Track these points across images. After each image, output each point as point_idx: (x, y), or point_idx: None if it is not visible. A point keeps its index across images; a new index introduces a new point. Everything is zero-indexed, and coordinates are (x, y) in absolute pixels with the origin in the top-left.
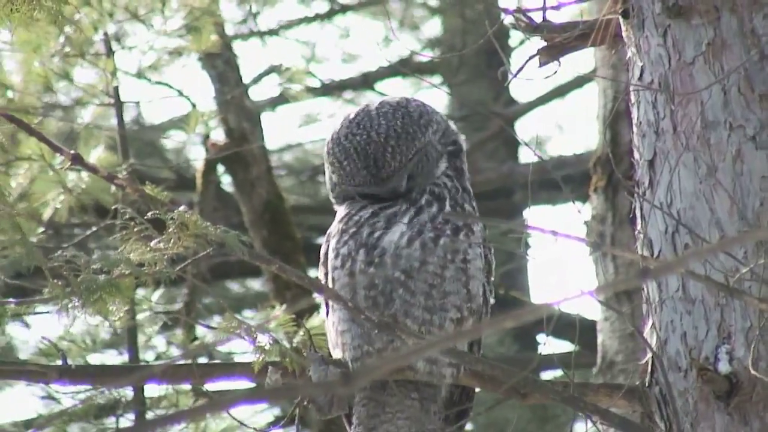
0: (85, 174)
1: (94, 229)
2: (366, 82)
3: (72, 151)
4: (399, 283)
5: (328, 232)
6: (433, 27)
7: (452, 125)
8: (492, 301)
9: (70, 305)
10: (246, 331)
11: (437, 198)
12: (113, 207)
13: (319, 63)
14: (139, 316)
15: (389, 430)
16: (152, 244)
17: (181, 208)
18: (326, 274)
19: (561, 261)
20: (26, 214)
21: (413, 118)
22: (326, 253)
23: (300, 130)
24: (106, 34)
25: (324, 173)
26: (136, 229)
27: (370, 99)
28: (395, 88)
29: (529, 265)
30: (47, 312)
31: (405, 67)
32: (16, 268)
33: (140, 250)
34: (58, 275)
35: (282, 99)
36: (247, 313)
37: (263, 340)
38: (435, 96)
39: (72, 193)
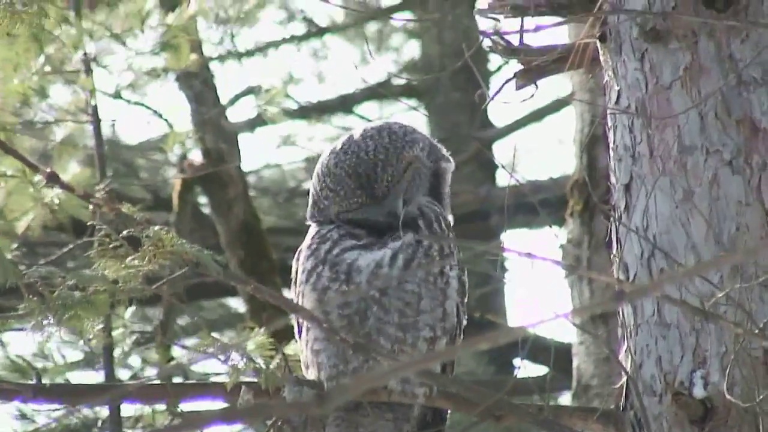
0: (61, 191)
1: (70, 246)
2: (344, 104)
3: (48, 170)
4: (374, 300)
5: (298, 249)
6: (412, 50)
7: (437, 144)
8: (464, 321)
9: (45, 322)
10: (220, 350)
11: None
12: (89, 224)
13: (296, 84)
14: (115, 333)
15: None
16: (127, 261)
17: (157, 227)
18: (297, 293)
19: (537, 284)
20: (1, 231)
21: (398, 135)
22: (296, 271)
23: (277, 152)
24: (85, 53)
25: (303, 194)
26: (111, 246)
27: (348, 121)
28: (373, 111)
29: (506, 288)
30: (22, 329)
31: (383, 90)
32: None
33: (115, 267)
34: (33, 291)
35: (259, 120)
36: (224, 334)
37: (237, 359)
38: (413, 119)
39: (47, 209)
